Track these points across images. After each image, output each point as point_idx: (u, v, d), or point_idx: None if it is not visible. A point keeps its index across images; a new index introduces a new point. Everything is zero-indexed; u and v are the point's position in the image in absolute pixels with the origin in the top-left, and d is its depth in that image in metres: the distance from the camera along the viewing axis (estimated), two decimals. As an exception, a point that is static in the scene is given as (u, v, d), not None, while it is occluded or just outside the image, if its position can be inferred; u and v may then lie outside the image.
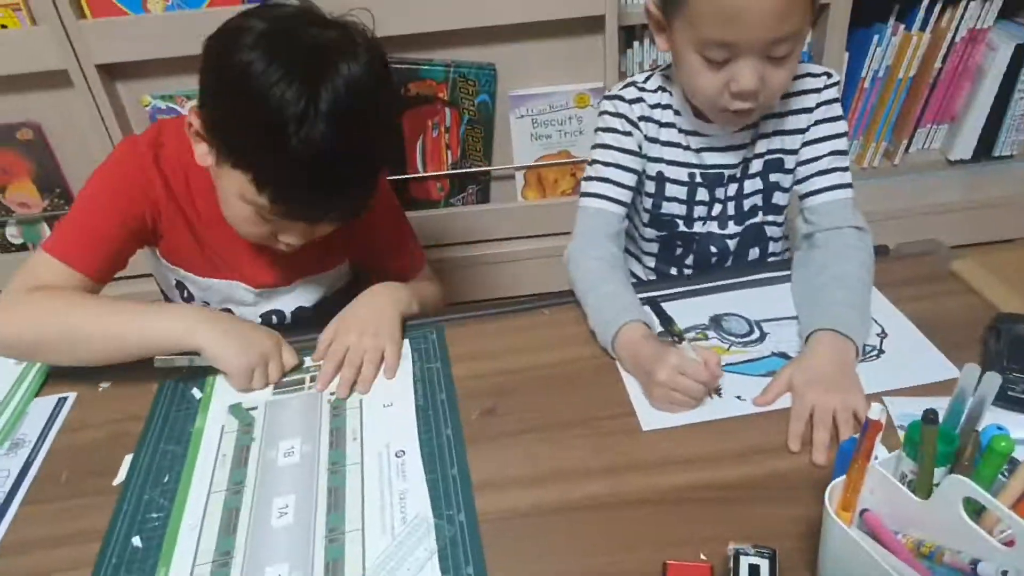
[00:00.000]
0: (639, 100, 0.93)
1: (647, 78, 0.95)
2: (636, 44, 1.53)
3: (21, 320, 0.78)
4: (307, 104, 0.68)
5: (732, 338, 0.84)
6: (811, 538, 0.58)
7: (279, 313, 0.98)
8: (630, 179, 0.93)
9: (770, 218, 0.98)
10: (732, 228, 0.97)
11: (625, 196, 0.93)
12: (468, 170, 1.59)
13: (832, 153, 0.91)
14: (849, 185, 0.91)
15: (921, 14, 1.57)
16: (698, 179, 0.94)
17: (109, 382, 0.84)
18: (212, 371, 0.82)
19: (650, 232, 1.01)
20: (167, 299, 1.02)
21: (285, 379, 0.83)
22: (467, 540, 0.63)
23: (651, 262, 1.04)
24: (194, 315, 0.82)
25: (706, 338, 0.84)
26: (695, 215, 0.97)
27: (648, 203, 0.97)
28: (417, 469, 0.70)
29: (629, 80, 0.96)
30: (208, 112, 0.75)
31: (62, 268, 0.81)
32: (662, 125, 0.93)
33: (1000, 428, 0.52)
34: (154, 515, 0.67)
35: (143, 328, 0.79)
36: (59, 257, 0.81)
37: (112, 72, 1.45)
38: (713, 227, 0.97)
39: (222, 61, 0.72)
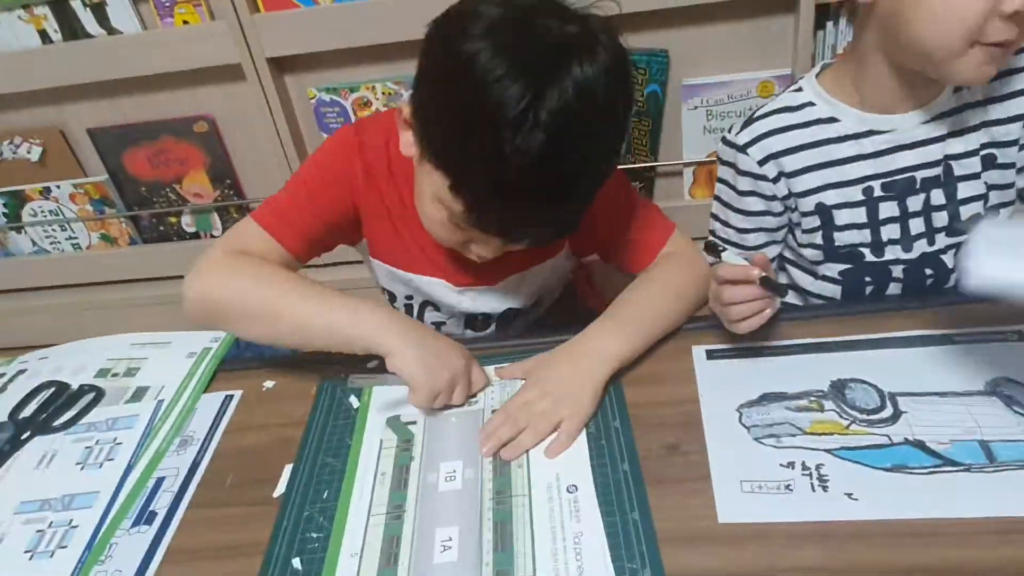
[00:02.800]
0: (760, 138, 0.79)
1: (770, 102, 0.82)
2: (829, 24, 1.35)
3: (220, 280, 0.77)
4: (529, 106, 0.59)
5: (855, 413, 0.66)
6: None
7: (486, 316, 0.92)
8: (757, 239, 0.83)
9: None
10: (944, 241, 0.80)
11: (751, 254, 0.75)
12: (631, 166, 1.49)
13: None
14: None
15: None
16: (878, 192, 0.79)
17: (273, 381, 0.82)
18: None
19: (831, 268, 0.85)
20: (386, 292, 0.98)
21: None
22: (655, 603, 0.54)
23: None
24: (388, 318, 0.74)
25: (821, 409, 0.67)
26: (884, 238, 0.80)
27: (817, 238, 0.82)
28: (592, 509, 0.62)
29: (750, 116, 0.82)
30: (420, 101, 0.68)
31: (267, 238, 0.79)
32: (805, 148, 0.79)
33: None
34: (313, 535, 0.63)
35: (332, 321, 0.73)
36: (267, 228, 0.80)
37: (281, 65, 1.47)
38: (922, 246, 0.80)
39: (444, 48, 0.64)
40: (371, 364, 0.79)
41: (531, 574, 0.57)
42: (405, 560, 0.60)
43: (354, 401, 0.77)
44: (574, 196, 0.67)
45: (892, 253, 0.81)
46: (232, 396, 0.82)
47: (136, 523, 0.67)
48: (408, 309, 0.94)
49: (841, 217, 0.80)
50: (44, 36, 1.47)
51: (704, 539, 0.58)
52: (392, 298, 0.96)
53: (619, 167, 0.81)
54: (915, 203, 0.79)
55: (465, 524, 0.62)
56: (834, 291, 0.87)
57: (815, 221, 0.81)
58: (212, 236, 1.71)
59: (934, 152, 0.77)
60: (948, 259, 0.82)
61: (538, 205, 0.65)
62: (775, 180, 0.80)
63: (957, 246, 0.81)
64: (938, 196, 0.79)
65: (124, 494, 0.70)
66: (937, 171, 0.78)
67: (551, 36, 0.61)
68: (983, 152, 0.78)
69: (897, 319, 0.75)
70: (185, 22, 1.43)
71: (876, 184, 0.79)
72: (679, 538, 0.58)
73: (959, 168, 0.78)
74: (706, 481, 0.63)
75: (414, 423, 0.73)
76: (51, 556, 0.65)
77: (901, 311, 0.76)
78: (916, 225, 0.80)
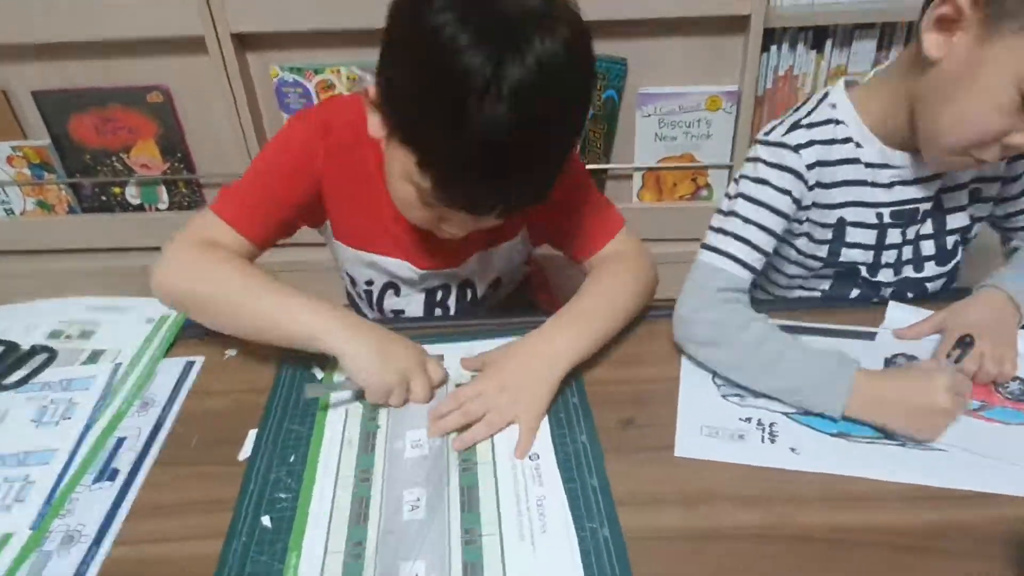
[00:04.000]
0: (809, 144, 0.79)
1: (810, 111, 0.81)
2: (773, 48, 1.44)
3: (183, 271, 0.79)
4: (492, 77, 0.60)
5: None
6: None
7: (445, 288, 0.94)
8: (769, 244, 0.79)
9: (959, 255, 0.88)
10: (932, 270, 0.86)
11: (759, 263, 0.79)
12: (586, 166, 1.53)
13: None
14: None
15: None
16: (887, 219, 0.82)
17: (235, 350, 0.83)
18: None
19: (822, 281, 0.90)
20: (347, 276, 0.99)
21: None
22: (613, 557, 0.58)
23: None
24: (337, 317, 0.75)
25: None
26: (883, 261, 0.85)
27: (822, 251, 0.85)
28: (554, 475, 0.66)
29: (790, 120, 0.81)
30: (385, 79, 0.69)
31: (228, 230, 0.81)
32: (840, 163, 0.80)
33: None
34: (282, 495, 0.64)
35: (283, 318, 0.75)
36: (228, 220, 0.81)
37: (245, 42, 1.46)
38: (908, 271, 0.86)
39: (409, 20, 0.65)
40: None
41: (497, 532, 0.61)
42: (375, 518, 0.62)
43: (318, 373, 0.79)
44: (539, 168, 0.69)
45: (884, 275, 0.86)
46: (194, 362, 0.82)
47: (98, 479, 0.67)
48: (368, 295, 0.96)
49: (853, 235, 0.83)
50: (-8, -10, 1.41)
51: (658, 502, 0.63)
52: (352, 282, 0.97)
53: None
54: (912, 232, 0.84)
55: (432, 487, 0.65)
56: (823, 285, 0.91)
57: (828, 234, 0.84)
58: (157, 209, 1.67)
59: (932, 186, 0.82)
60: (931, 287, 0.88)
61: (504, 178, 0.67)
62: (811, 188, 0.80)
63: (944, 275, 0.87)
64: (927, 227, 0.84)
65: (84, 452, 0.70)
66: (931, 204, 0.83)
67: (513, 8, 0.62)
68: (971, 187, 0.83)
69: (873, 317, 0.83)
70: (146, -11, 1.40)
71: (886, 212, 0.82)
72: (634, 500, 0.63)
73: (948, 201, 0.83)
74: (659, 452, 0.68)
75: (380, 398, 0.76)
76: (8, 510, 0.64)
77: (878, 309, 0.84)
78: (906, 252, 0.85)
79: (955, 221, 0.84)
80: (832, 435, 0.69)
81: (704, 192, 1.59)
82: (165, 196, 1.66)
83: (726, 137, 1.50)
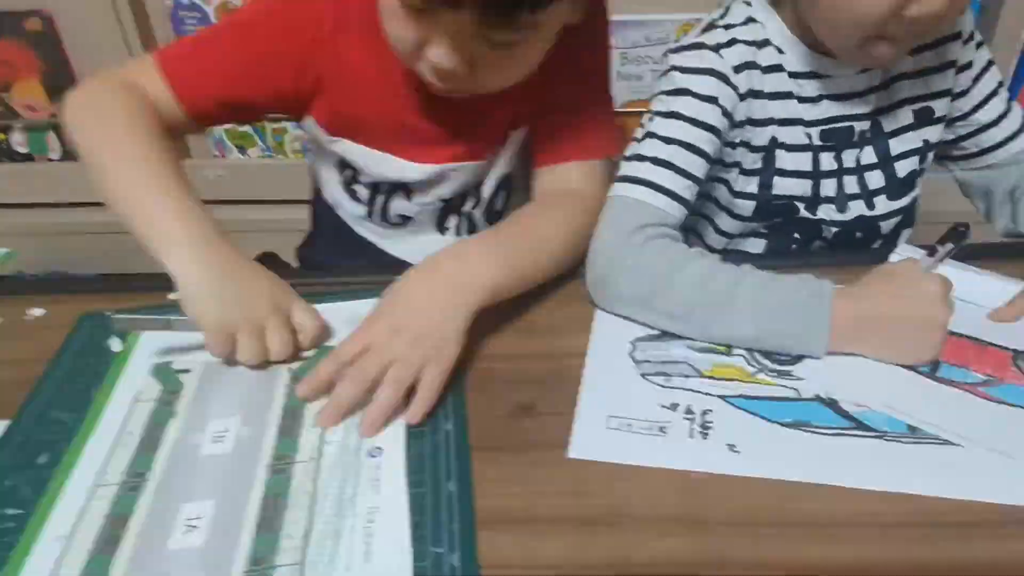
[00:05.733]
0: (731, 43, 0.66)
1: (723, 12, 0.69)
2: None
3: (79, 115, 0.65)
4: None
5: (766, 362, 0.57)
6: None
7: (461, 198, 0.77)
8: (699, 167, 0.64)
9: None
10: (885, 205, 0.72)
11: (688, 191, 0.64)
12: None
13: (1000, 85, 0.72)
14: None
15: None
16: (816, 140, 0.69)
17: (43, 310, 0.65)
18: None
19: (751, 225, 0.74)
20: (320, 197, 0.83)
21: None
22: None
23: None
24: (194, 230, 0.58)
25: (728, 352, 0.58)
26: (822, 193, 0.71)
27: (753, 185, 0.71)
28: (398, 477, 0.48)
29: (704, 23, 0.69)
30: None
31: (163, 88, 0.66)
32: (766, 70, 0.67)
33: None
34: (9, 512, 0.46)
35: (139, 213, 0.59)
36: (165, 72, 0.66)
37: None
38: (858, 208, 0.72)
39: None
40: (171, 296, 0.61)
41: (299, 561, 0.43)
42: (128, 546, 0.44)
43: (116, 344, 0.60)
44: None
45: (825, 212, 0.72)
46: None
47: None
48: (371, 197, 0.78)
49: (784, 160, 0.70)
50: None
51: (541, 520, 0.45)
52: (352, 193, 0.79)
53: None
54: (849, 158, 0.70)
55: (224, 497, 0.47)
56: (757, 247, 0.76)
57: (759, 161, 0.70)
58: (49, 160, 1.48)
59: (867, 103, 0.69)
60: (885, 226, 0.73)
61: None
62: (743, 97, 0.67)
63: (899, 212, 0.73)
64: (869, 154, 0.71)
65: None
66: (868, 124, 0.70)
67: None
68: (917, 105, 0.70)
69: (829, 273, 0.60)
70: None
71: (815, 132, 0.69)
72: (506, 519, 0.45)
73: (899, 119, 0.70)
74: (557, 450, 0.49)
75: (188, 371, 0.57)
76: None
77: (831, 267, 0.63)
78: (850, 184, 0.71)
79: (901, 145, 0.71)
80: (785, 425, 0.51)
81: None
82: (57, 144, 1.47)
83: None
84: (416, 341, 0.53)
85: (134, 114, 0.64)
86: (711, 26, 0.68)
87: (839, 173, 0.71)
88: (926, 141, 0.72)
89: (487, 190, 0.78)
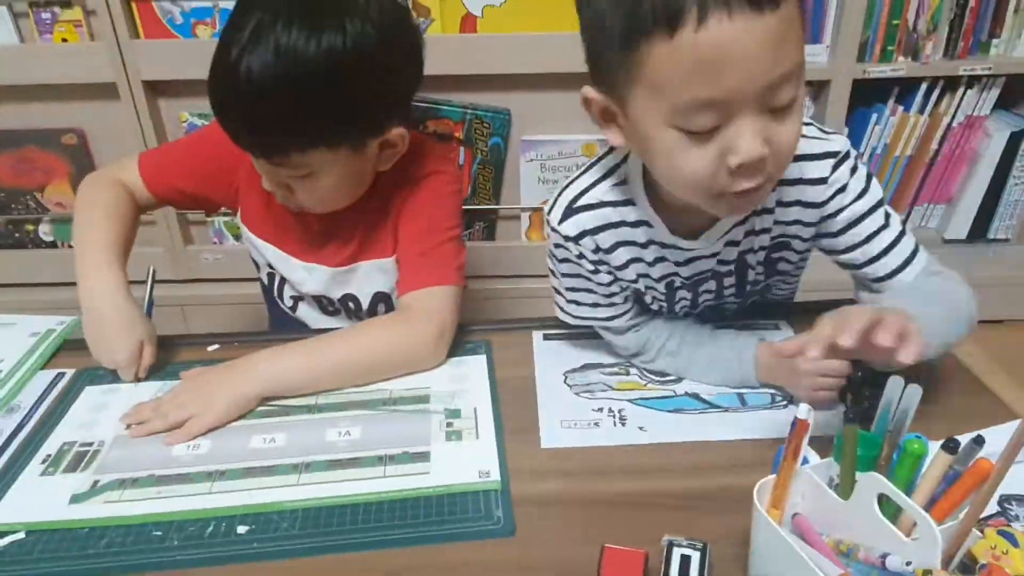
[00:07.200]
0: (589, 233, 0.76)
1: (597, 184, 0.76)
2: (646, 103, 1.61)
3: (81, 196, 0.94)
4: (258, 29, 0.74)
5: (652, 376, 0.87)
6: (745, 541, 0.60)
7: (354, 299, 0.99)
8: (621, 297, 0.82)
9: (780, 280, 0.90)
10: (733, 302, 0.89)
11: (614, 309, 0.83)
12: (477, 207, 1.67)
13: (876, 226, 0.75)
14: (915, 251, 0.77)
15: (919, 98, 1.64)
16: (678, 284, 0.82)
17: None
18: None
19: None
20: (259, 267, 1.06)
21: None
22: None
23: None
24: (99, 278, 0.84)
25: (627, 373, 0.87)
26: (678, 308, 0.86)
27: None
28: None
29: (578, 202, 0.76)
30: None
31: (137, 178, 0.96)
32: (625, 245, 0.77)
33: (918, 436, 0.56)
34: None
35: (79, 271, 0.85)
36: (141, 166, 0.96)
37: (156, 89, 1.56)
38: (709, 300, 0.87)
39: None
40: (209, 348, 0.89)
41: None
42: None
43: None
44: (282, 110, 0.76)
45: (683, 311, 0.88)
46: (64, 374, 0.87)
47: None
48: (271, 280, 1.03)
49: (647, 298, 0.85)
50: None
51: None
52: (258, 268, 1.05)
53: (459, 207, 0.94)
54: (706, 286, 0.84)
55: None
56: None
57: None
58: (70, 246, 1.71)
59: (731, 254, 0.80)
60: (729, 307, 0.90)
61: (260, 119, 0.77)
62: (607, 272, 0.80)
63: (745, 300, 0.89)
64: (731, 281, 0.84)
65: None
66: (729, 267, 0.81)
67: None
68: (779, 239, 0.79)
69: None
70: (64, 40, 1.48)
71: (677, 280, 0.82)
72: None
73: (752, 259, 0.81)
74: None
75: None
76: None
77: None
78: (705, 297, 0.86)
79: (753, 275, 0.84)
80: (670, 411, 0.81)
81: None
82: (77, 234, 1.70)
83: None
84: (197, 399, 0.78)
85: (115, 191, 0.93)
86: (571, 208, 0.76)
87: (695, 296, 0.84)
88: (776, 266, 0.83)
89: (364, 302, 0.99)
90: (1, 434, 0.78)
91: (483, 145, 1.60)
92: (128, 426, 0.79)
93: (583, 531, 0.66)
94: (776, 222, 0.77)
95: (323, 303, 1.02)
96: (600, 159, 0.79)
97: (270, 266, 1.01)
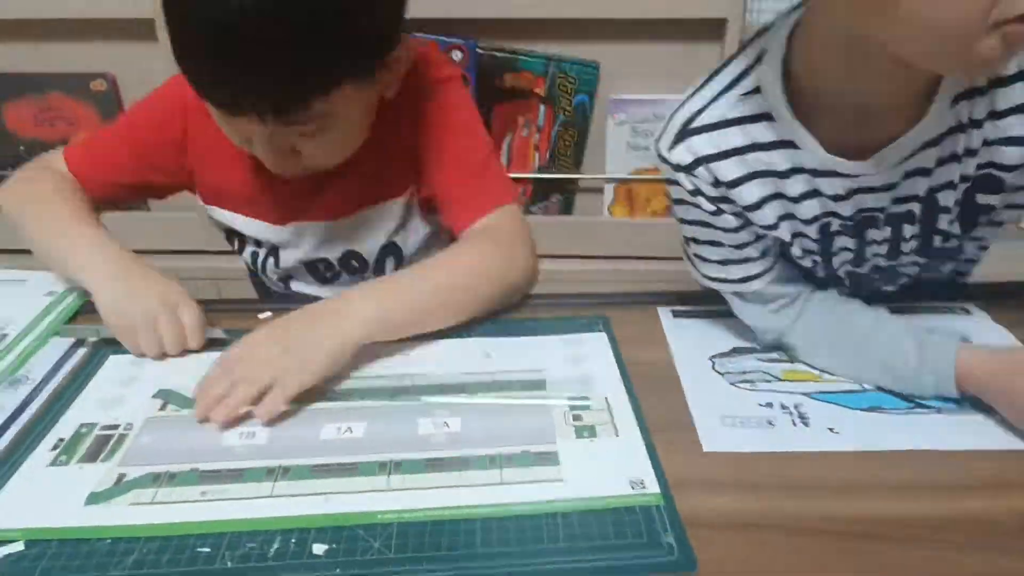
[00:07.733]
0: (705, 160, 0.61)
1: (719, 97, 0.61)
2: (751, 59, 1.43)
3: (10, 192, 0.81)
4: None
5: None
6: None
7: (356, 255, 0.85)
8: (757, 249, 0.66)
9: (976, 241, 0.72)
10: (914, 264, 0.70)
11: (759, 266, 0.67)
12: (554, 176, 1.49)
13: None
14: None
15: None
16: (836, 227, 0.65)
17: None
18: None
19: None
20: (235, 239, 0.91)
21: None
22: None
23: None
24: (96, 252, 0.72)
25: (792, 361, 0.70)
26: (836, 264, 0.69)
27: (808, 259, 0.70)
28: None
29: (695, 122, 0.62)
30: None
31: (70, 176, 0.81)
32: (760, 176, 0.61)
33: None
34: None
35: (60, 255, 0.75)
36: (70, 165, 0.82)
37: (198, 27, 1.40)
38: (879, 261, 0.69)
39: None
40: (260, 316, 0.74)
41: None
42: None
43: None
44: (273, 55, 0.60)
45: (843, 269, 0.70)
46: (84, 340, 0.73)
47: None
48: (254, 257, 0.89)
49: (795, 250, 0.67)
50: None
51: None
52: (242, 248, 0.90)
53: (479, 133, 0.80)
54: (876, 234, 0.65)
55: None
56: None
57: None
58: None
59: (911, 187, 0.61)
60: (908, 270, 0.72)
61: (228, 62, 0.61)
62: (735, 214, 0.64)
63: (928, 263, 0.71)
64: (910, 230, 0.65)
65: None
66: (911, 207, 0.63)
67: None
68: (981, 172, 0.61)
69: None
70: (91, -33, 1.34)
71: (835, 222, 0.64)
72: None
73: (945, 198, 0.62)
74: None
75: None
76: None
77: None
78: (875, 251, 0.68)
79: (943, 221, 0.65)
80: (864, 410, 0.63)
81: (677, 209, 1.53)
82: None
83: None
84: (284, 352, 0.62)
85: (59, 183, 0.79)
86: (685, 130, 0.63)
87: (859, 247, 0.67)
88: (972, 205, 0.63)
89: (370, 258, 0.85)
90: (2, 411, 0.62)
91: (566, 103, 1.42)
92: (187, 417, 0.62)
93: (791, 567, 0.49)
94: (986, 142, 0.58)
95: (319, 269, 0.87)
96: (723, 67, 0.63)
97: (256, 242, 0.88)
